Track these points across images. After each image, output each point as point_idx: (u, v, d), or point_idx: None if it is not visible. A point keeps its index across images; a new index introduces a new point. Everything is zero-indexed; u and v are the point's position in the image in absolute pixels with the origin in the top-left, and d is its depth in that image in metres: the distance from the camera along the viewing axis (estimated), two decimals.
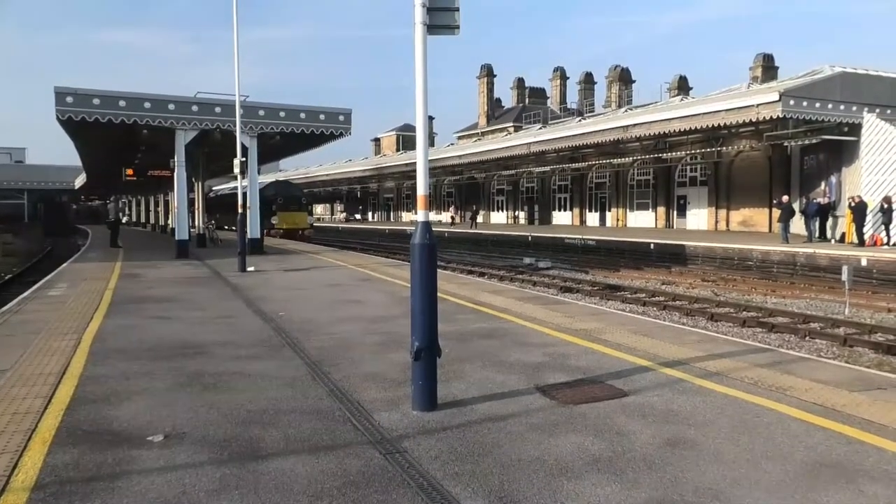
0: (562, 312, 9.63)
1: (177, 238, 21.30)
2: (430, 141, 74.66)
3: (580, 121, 42.40)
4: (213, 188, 54.95)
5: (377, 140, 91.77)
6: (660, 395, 5.42)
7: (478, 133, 67.88)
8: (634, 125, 32.19)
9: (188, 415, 4.99)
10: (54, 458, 4.13)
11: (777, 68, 49.87)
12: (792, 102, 23.99)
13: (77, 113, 18.32)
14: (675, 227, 39.64)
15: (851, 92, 25.19)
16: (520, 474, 3.91)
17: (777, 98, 23.93)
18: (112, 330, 8.42)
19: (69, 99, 18.24)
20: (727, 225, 36.25)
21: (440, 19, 5.17)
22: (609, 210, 45.41)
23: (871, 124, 24.58)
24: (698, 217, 38.30)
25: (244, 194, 17.90)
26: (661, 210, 40.78)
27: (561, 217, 50.17)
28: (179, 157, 20.56)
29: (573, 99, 68.62)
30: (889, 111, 25.54)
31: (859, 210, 22.90)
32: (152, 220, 48.79)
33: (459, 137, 72.05)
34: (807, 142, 27.70)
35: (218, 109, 20.54)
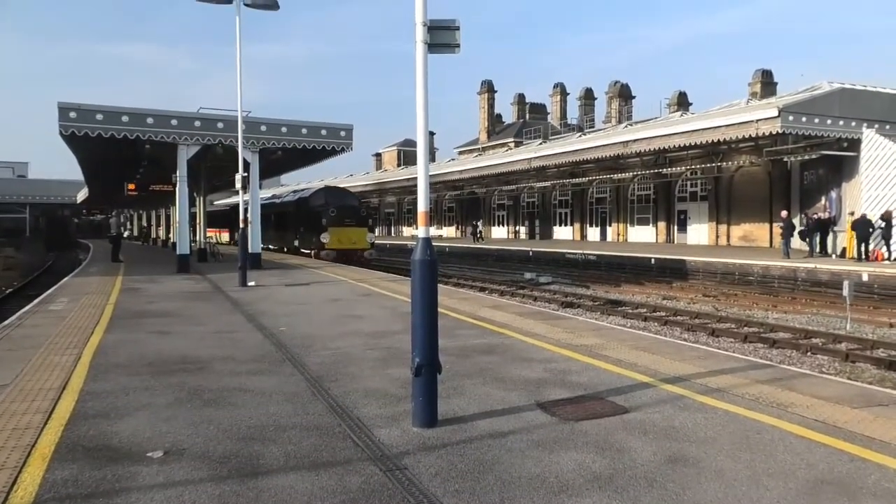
0: (562, 328, 9.62)
1: (178, 252, 21.32)
2: (431, 156, 74.91)
3: (580, 136, 42.61)
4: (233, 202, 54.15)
5: (378, 155, 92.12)
6: (661, 412, 5.41)
7: (479, 148, 68.16)
8: (634, 140, 32.32)
9: (188, 430, 4.98)
10: (53, 474, 4.13)
11: (776, 84, 50.20)
12: (791, 118, 24.09)
13: (80, 128, 18.42)
14: (675, 241, 39.67)
15: (850, 107, 25.31)
16: (520, 492, 3.90)
17: (776, 114, 24.03)
18: (112, 345, 8.41)
19: (72, 114, 18.35)
20: (728, 240, 36.27)
21: (441, 38, 5.22)
22: (610, 225, 45.46)
23: (871, 140, 24.67)
24: (699, 232, 38.33)
25: (245, 209, 17.94)
26: (662, 225, 40.81)
27: (561, 232, 50.21)
28: (181, 172, 20.63)
29: (573, 114, 69.08)
30: (888, 126, 25.63)
31: (864, 225, 22.90)
32: (153, 235, 48.89)
33: (460, 152, 72.34)
34: (806, 157, 27.82)
35: (220, 125, 20.64)
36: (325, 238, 27.86)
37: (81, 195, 60.94)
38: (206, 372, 6.91)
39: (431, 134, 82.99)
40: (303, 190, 36.47)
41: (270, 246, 34.58)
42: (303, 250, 29.77)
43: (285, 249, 33.07)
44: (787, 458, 4.38)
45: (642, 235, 42.46)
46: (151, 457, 4.44)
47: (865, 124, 25.08)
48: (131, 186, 27.20)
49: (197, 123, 20.43)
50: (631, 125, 39.66)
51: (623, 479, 4.07)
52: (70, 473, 4.15)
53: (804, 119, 24.39)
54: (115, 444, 4.70)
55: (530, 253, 35.43)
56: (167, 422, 5.20)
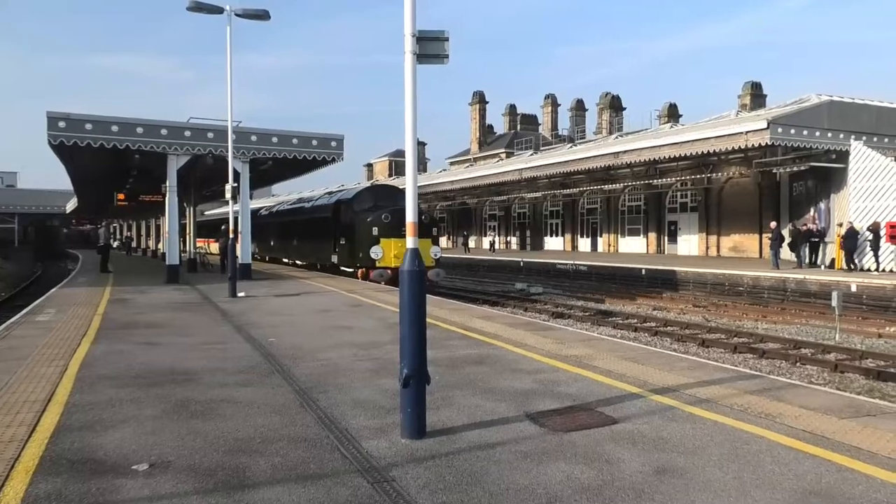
0: (552, 338, 9.62)
1: (167, 263, 21.22)
2: (423, 167, 75.05)
3: (571, 147, 42.74)
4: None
5: (370, 165, 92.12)
6: (649, 423, 5.40)
7: (470, 159, 68.30)
8: (625, 152, 32.46)
9: (174, 443, 4.93)
10: (37, 488, 4.07)
11: (765, 96, 50.63)
12: (780, 130, 24.27)
13: (69, 138, 18.33)
14: (666, 252, 39.81)
15: (838, 120, 25.53)
16: (508, 503, 3.88)
17: (765, 126, 24.20)
18: (100, 356, 8.34)
19: (61, 124, 18.26)
20: (718, 250, 36.44)
21: (430, 49, 5.25)
22: (600, 235, 45.60)
23: (859, 152, 24.87)
24: (689, 243, 38.50)
25: (235, 219, 17.87)
26: (653, 236, 40.98)
27: (552, 242, 50.32)
28: (171, 182, 20.56)
29: (564, 125, 69.36)
30: (875, 139, 25.88)
31: (852, 237, 23.11)
32: (143, 245, 48.68)
33: (452, 163, 72.46)
34: (795, 168, 28.00)
35: (210, 135, 20.60)
36: (375, 253, 20.86)
37: (71, 205, 60.66)
38: (194, 383, 6.86)
39: (423, 144, 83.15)
40: (341, 191, 29.09)
41: (297, 262, 29.46)
42: (344, 269, 23.16)
43: (318, 267, 26.21)
44: (775, 469, 4.38)
45: (633, 246, 42.61)
46: (136, 469, 4.39)
47: (853, 136, 25.28)
48: (121, 196, 27.05)
49: (187, 133, 20.39)
50: (622, 136, 39.83)
51: (611, 490, 4.06)
52: (53, 487, 4.10)
53: (793, 131, 24.58)
54: (100, 456, 4.65)
55: (521, 263, 35.46)
56: (153, 434, 5.15)
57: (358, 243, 21.75)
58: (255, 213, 39.41)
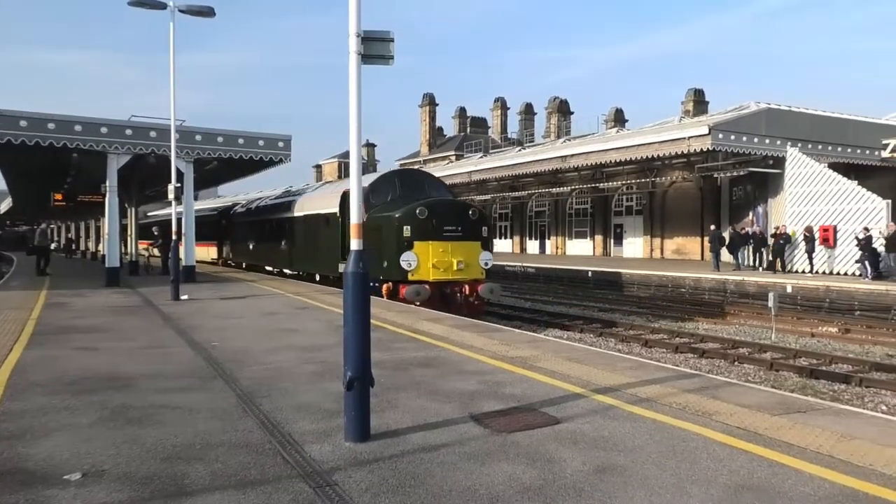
0: (499, 340, 9.69)
1: (107, 265, 20.59)
2: (373, 168, 74.59)
3: (520, 150, 43.16)
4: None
5: (319, 167, 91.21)
6: (591, 422, 5.49)
7: (420, 161, 68.29)
8: (572, 155, 32.94)
9: (110, 451, 4.79)
10: None
11: (707, 103, 52.06)
12: (720, 136, 25.01)
13: (2, 135, 17.64)
14: (612, 254, 40.56)
15: (776, 127, 26.45)
16: None
17: (707, 132, 24.91)
18: (32, 362, 8.04)
19: None
20: (661, 253, 37.30)
21: (375, 49, 5.24)
22: (548, 238, 46.17)
23: (795, 158, 25.83)
24: (634, 245, 39.30)
25: (178, 220, 17.46)
26: (599, 238, 41.69)
27: (501, 245, 50.68)
28: (111, 182, 19.98)
29: (514, 129, 69.97)
30: (810, 146, 26.92)
31: (783, 241, 24.11)
32: (82, 247, 47.15)
33: (401, 165, 72.32)
34: (735, 173, 28.91)
35: (153, 134, 20.10)
36: (407, 262, 15.49)
37: (5, 206, 58.23)
38: (133, 389, 6.67)
39: (372, 146, 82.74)
40: (344, 181, 22.56)
41: (287, 271, 23.96)
42: None
43: (317, 279, 20.88)
44: (710, 465, 4.50)
45: (580, 248, 43.28)
46: (68, 479, 4.25)
47: (790, 143, 26.25)
48: (58, 196, 26.20)
49: (128, 132, 19.85)
50: (569, 140, 40.38)
51: (552, 489, 4.11)
52: None
53: (732, 137, 25.36)
54: (29, 467, 4.48)
55: None
56: (87, 442, 4.98)
57: (381, 248, 15.82)
58: (228, 210, 34.10)
